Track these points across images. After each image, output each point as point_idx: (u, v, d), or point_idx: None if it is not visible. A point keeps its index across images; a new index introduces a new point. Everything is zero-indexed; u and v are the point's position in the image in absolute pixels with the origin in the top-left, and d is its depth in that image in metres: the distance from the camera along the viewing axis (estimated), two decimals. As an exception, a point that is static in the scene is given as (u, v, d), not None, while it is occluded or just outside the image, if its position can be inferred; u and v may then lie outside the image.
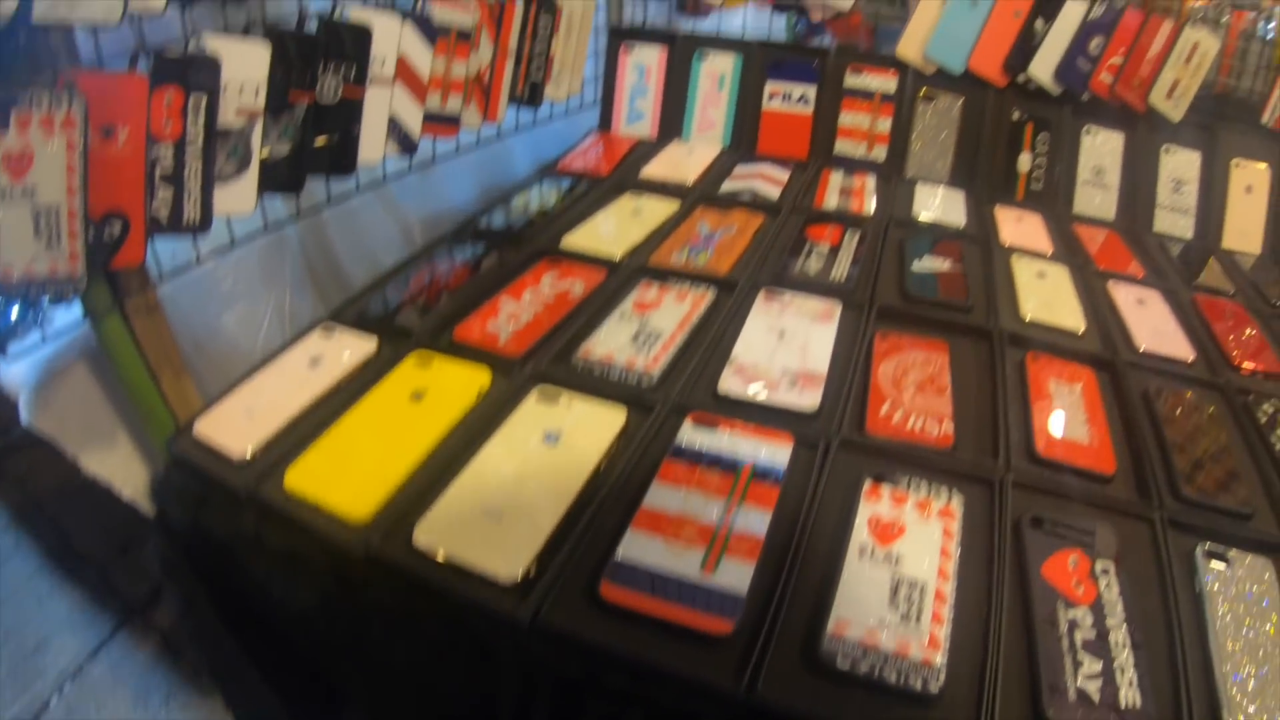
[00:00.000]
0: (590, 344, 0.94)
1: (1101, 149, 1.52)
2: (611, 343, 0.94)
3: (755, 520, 0.71)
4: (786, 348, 0.93)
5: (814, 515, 0.72)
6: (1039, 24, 1.50)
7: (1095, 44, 1.50)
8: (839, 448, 0.80)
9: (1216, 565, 0.73)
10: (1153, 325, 1.12)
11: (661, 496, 0.73)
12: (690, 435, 0.80)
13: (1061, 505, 0.78)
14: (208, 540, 0.78)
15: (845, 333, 0.98)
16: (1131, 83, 1.50)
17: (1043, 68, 1.51)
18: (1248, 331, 1.15)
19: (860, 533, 0.70)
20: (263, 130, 1.01)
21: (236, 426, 0.81)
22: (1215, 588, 0.71)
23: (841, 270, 1.11)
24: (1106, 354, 1.02)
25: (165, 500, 0.82)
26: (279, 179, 1.06)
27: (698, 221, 1.25)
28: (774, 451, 0.78)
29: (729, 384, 0.87)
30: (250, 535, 0.75)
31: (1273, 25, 1.67)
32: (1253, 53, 1.61)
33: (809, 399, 0.85)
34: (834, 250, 1.17)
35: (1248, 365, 1.07)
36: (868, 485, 0.74)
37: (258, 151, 1.01)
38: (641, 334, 0.96)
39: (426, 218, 1.53)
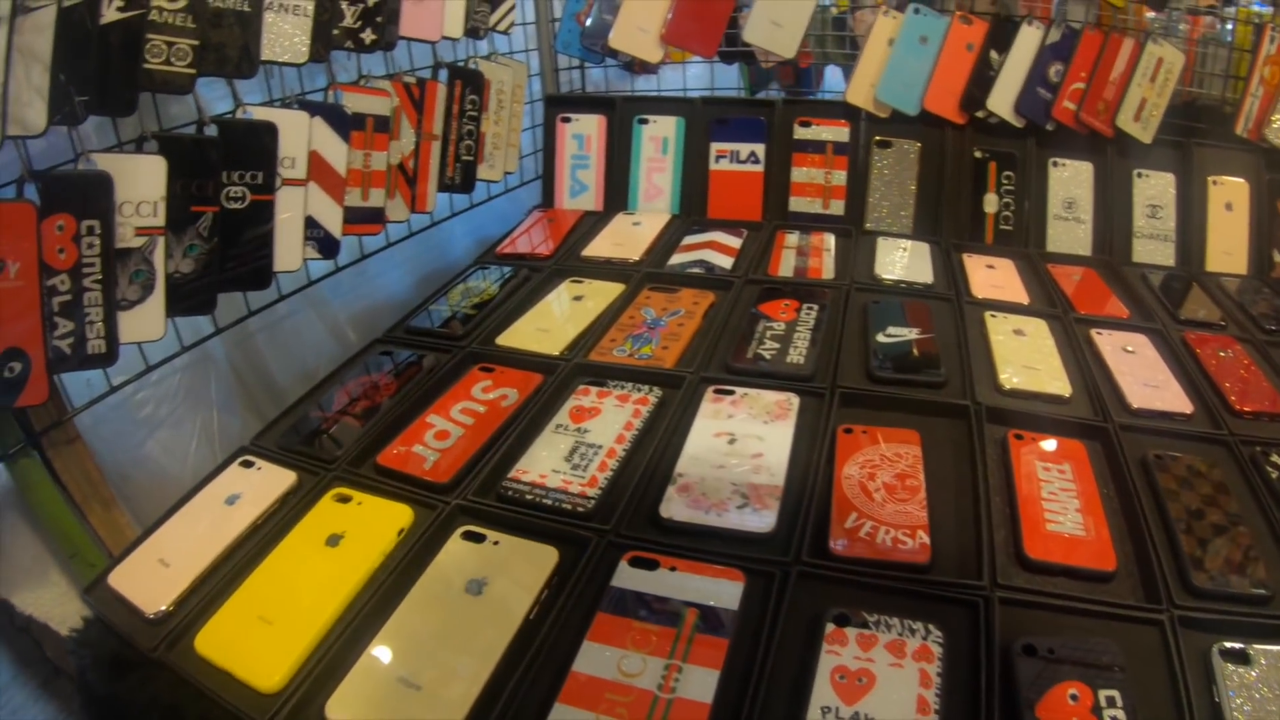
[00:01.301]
0: (523, 464, 0.86)
1: (1071, 181, 1.45)
2: (545, 462, 0.86)
3: (700, 683, 0.62)
4: (737, 457, 0.84)
5: (768, 671, 0.63)
6: (994, 55, 1.44)
7: (1055, 70, 1.43)
8: (797, 579, 0.70)
9: (1235, 668, 0.65)
10: (1144, 376, 1.03)
11: (593, 659, 0.64)
12: (627, 577, 0.71)
13: (1058, 621, 0.69)
14: (128, 706, 0.72)
15: (804, 430, 0.89)
16: (1096, 108, 1.43)
17: (1002, 101, 1.45)
18: (1246, 368, 1.08)
19: (822, 689, 0.61)
20: (166, 249, 0.95)
21: (150, 578, 0.77)
22: (1236, 694, 0.63)
23: (799, 353, 1.02)
24: (1097, 420, 0.94)
25: (83, 659, 0.76)
26: (188, 299, 1.00)
27: (643, 306, 1.17)
28: (722, 591, 0.69)
29: (672, 508, 0.78)
30: (164, 704, 0.70)
31: (1231, 27, 1.61)
32: (1218, 58, 1.55)
33: (763, 520, 0.76)
34: (790, 327, 1.08)
35: (1249, 408, 0.99)
36: (829, 629, 0.65)
37: (163, 272, 0.95)
38: (578, 449, 0.88)
39: (360, 315, 1.46)
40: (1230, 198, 1.43)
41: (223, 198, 1.01)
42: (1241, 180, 1.44)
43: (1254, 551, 0.76)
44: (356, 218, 1.21)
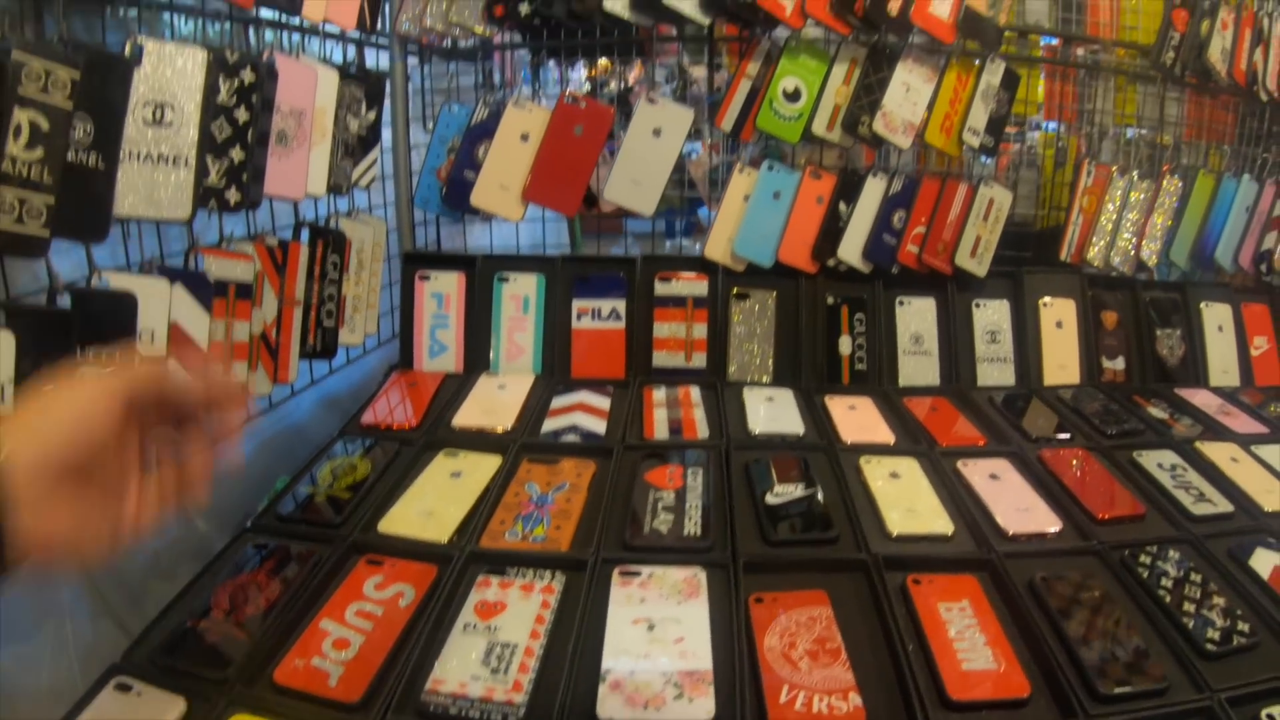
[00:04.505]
0: (437, 673, 0.88)
1: (916, 317, 1.68)
2: (461, 669, 0.88)
3: None
4: (660, 644, 0.91)
5: None
6: (842, 206, 1.66)
7: (898, 217, 1.66)
8: (752, 764, 0.77)
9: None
10: (1013, 501, 1.20)
11: None
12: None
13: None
14: None
15: (718, 606, 0.98)
16: (937, 249, 1.67)
17: (851, 249, 1.66)
18: (1098, 476, 1.28)
19: None
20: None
21: None
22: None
23: (694, 523, 1.12)
24: (982, 553, 1.09)
25: None
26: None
27: (525, 481, 1.24)
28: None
29: (608, 708, 0.83)
30: None
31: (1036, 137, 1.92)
32: (1026, 180, 1.84)
33: (702, 709, 0.83)
34: (679, 496, 1.18)
35: (1109, 515, 1.18)
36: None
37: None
38: (493, 650, 0.91)
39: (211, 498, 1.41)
40: (1060, 316, 1.70)
41: (76, 377, 0.97)
42: (1069, 299, 1.72)
43: (1145, 651, 0.92)
44: (219, 395, 1.20)
